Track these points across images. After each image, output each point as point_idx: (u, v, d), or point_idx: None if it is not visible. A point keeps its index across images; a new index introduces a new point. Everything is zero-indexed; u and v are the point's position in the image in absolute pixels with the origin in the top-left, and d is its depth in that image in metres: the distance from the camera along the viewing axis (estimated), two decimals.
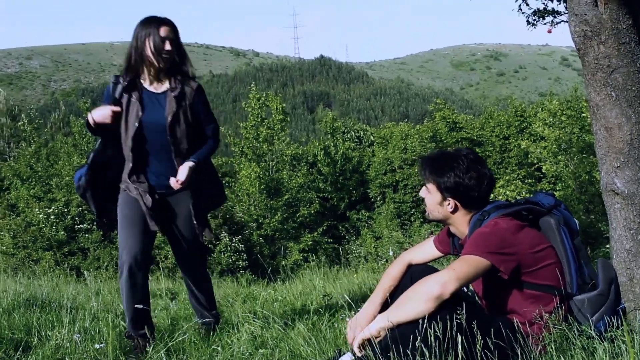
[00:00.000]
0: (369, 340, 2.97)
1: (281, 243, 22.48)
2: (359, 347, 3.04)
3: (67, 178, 21.81)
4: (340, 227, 27.98)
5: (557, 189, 22.75)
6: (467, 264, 2.99)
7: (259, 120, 27.41)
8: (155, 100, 4.12)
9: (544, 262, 3.13)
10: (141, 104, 4.07)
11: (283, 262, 17.53)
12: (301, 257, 21.37)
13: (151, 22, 4.04)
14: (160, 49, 3.99)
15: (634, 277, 3.26)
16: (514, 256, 3.07)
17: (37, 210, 19.84)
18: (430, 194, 3.41)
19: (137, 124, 4.02)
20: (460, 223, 3.37)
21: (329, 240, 24.07)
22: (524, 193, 20.78)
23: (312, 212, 26.37)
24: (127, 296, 4.00)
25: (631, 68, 3.21)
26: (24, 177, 25.51)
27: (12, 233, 18.35)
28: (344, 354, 3.29)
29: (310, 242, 23.98)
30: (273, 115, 27.92)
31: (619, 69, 3.21)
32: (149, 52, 4.00)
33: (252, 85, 29.66)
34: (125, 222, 4.08)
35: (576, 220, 3.35)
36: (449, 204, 3.35)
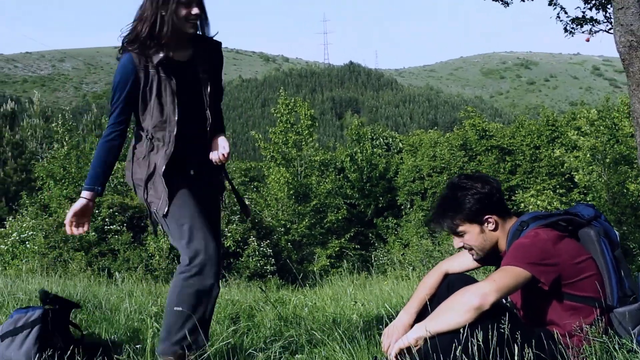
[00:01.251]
0: (407, 349, 2.96)
1: (309, 248, 22.50)
2: (396, 357, 3.03)
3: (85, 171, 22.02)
4: (370, 235, 27.95)
5: (589, 199, 22.52)
6: (508, 275, 2.97)
7: (288, 125, 27.48)
8: (185, 71, 3.61)
9: (585, 273, 3.10)
10: (173, 78, 3.54)
11: (311, 268, 17.55)
12: (328, 263, 21.37)
13: None
14: (189, 13, 3.49)
15: None
16: (555, 267, 3.04)
17: (68, 211, 20.02)
18: (467, 234, 3.34)
19: (176, 102, 3.52)
20: (503, 239, 3.33)
21: (356, 247, 24.04)
22: (555, 203, 20.59)
23: (340, 218, 26.38)
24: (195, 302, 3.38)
25: None
26: (57, 178, 25.83)
27: (44, 233, 18.55)
28: None
29: (337, 248, 23.98)
30: (302, 121, 27.99)
31: None
32: (175, 18, 3.46)
33: (281, 90, 29.75)
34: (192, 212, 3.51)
35: (616, 232, 3.31)
36: (488, 223, 3.30)
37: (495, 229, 3.31)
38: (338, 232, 26.27)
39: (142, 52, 3.48)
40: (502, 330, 2.77)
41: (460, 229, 3.33)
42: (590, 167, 22.06)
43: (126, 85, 3.48)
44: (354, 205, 30.65)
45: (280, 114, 27.89)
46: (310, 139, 28.09)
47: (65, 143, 30.22)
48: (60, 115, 33.79)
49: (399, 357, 2.99)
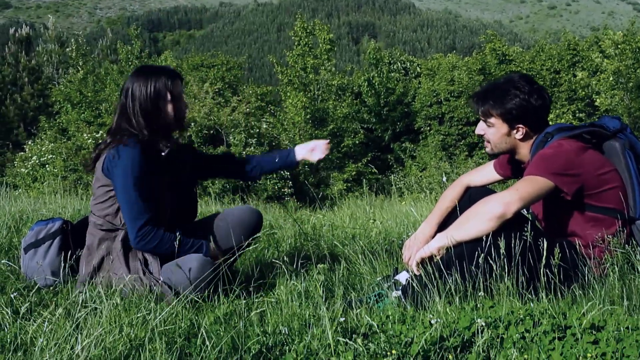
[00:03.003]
0: (429, 258, 2.98)
1: (326, 172, 22.56)
2: (417, 265, 3.05)
3: (115, 103, 22.05)
4: (389, 158, 27.91)
5: None
6: (531, 185, 2.96)
7: (306, 49, 27.13)
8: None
9: (608, 185, 3.09)
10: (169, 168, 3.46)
11: (328, 192, 17.63)
12: (345, 187, 21.44)
13: (164, 75, 3.39)
14: (183, 112, 3.48)
15: None
16: (578, 177, 3.03)
17: (86, 135, 20.15)
18: (493, 127, 3.32)
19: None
20: (526, 147, 3.31)
21: (373, 171, 24.04)
22: None
23: (357, 142, 26.33)
24: None
25: None
26: (74, 102, 25.90)
27: (63, 156, 18.71)
28: (401, 272, 3.32)
29: (354, 172, 24.02)
30: (320, 45, 27.61)
31: None
32: (170, 117, 3.40)
33: (298, 13, 29.27)
34: None
35: None
36: (517, 131, 3.27)
37: (521, 139, 3.29)
38: (355, 157, 26.25)
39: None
40: (525, 239, 2.78)
41: (491, 120, 3.30)
42: (613, 91, 21.74)
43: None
44: (370, 129, 30.52)
45: (298, 38, 27.50)
46: (328, 63, 27.75)
47: (80, 68, 30.14)
48: (73, 41, 33.62)
49: (420, 266, 3.02)
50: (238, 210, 3.70)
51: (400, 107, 30.94)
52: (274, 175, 15.73)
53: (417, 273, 3.04)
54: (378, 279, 3.43)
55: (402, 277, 3.22)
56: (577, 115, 26.65)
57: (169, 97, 3.35)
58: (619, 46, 22.07)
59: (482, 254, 2.76)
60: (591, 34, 38.91)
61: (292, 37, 27.82)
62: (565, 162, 3.02)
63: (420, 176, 19.32)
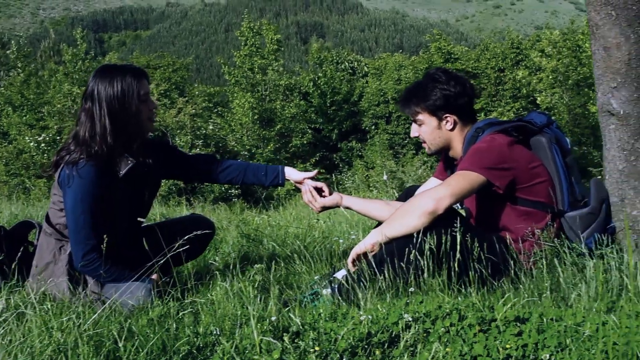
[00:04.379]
0: (364, 254, 3.00)
1: None
2: (353, 262, 3.07)
3: (58, 106, 21.62)
4: (337, 156, 28.03)
5: None
6: (463, 179, 3.01)
7: (253, 49, 27.08)
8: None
9: (538, 179, 3.16)
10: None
11: (276, 192, 17.61)
12: (294, 187, 21.47)
13: (130, 73, 3.23)
14: (152, 112, 3.34)
15: (625, 197, 3.30)
16: (510, 171, 3.09)
17: (27, 138, 19.74)
18: (424, 125, 3.40)
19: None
20: (459, 141, 3.38)
21: (321, 171, 24.11)
22: None
23: (305, 142, 26.37)
24: None
25: None
26: (16, 105, 25.32)
27: (4, 160, 18.28)
28: (339, 270, 3.34)
29: None
30: (267, 45, 27.60)
31: None
32: (139, 118, 3.24)
33: (245, 13, 29.16)
34: None
35: (568, 140, 3.37)
36: (446, 121, 3.35)
37: (452, 129, 3.36)
38: (303, 157, 26.31)
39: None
40: (455, 234, 2.83)
41: (420, 117, 3.38)
42: (553, 89, 22.20)
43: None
44: (318, 129, 30.60)
45: (245, 38, 27.41)
46: (276, 63, 27.74)
47: (21, 70, 29.51)
48: (12, 42, 32.91)
49: (356, 262, 3.04)
50: (195, 226, 3.55)
51: (346, 106, 31.08)
52: None
53: (353, 270, 3.07)
54: (316, 277, 3.44)
55: (340, 275, 3.24)
56: (520, 112, 27.15)
57: (136, 96, 3.18)
58: (557, 45, 22.56)
59: (414, 250, 2.79)
60: (533, 33, 39.69)
61: (239, 38, 27.73)
62: (497, 156, 3.08)
63: (367, 175, 19.45)
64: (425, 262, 2.79)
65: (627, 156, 3.28)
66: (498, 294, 2.80)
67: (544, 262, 2.93)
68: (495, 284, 2.90)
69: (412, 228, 2.88)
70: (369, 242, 3.00)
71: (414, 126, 3.47)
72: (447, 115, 3.34)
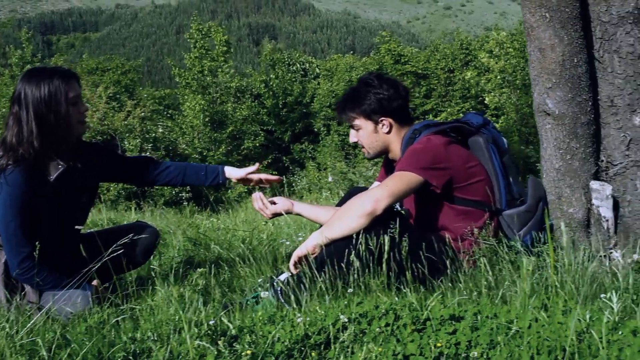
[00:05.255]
0: (305, 257, 3.01)
1: None
2: (295, 265, 3.08)
3: (3, 110, 21.16)
4: (284, 160, 27.99)
5: (500, 121, 23.08)
6: (401, 180, 3.04)
7: (202, 52, 26.90)
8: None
9: (475, 178, 3.22)
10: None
11: (228, 195, 17.52)
12: (246, 189, 21.36)
13: (58, 76, 3.16)
14: (82, 115, 3.27)
15: (562, 195, 3.37)
16: (447, 171, 3.13)
17: None
18: (362, 129, 3.45)
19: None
20: (397, 143, 3.42)
21: (273, 173, 24.05)
22: None
23: (257, 144, 26.28)
24: None
25: None
26: None
27: None
28: (282, 273, 3.34)
29: None
30: (217, 47, 27.45)
31: None
32: (68, 121, 3.16)
33: (194, 15, 28.96)
34: None
35: (505, 140, 3.44)
36: (383, 124, 3.39)
37: (389, 132, 3.40)
38: (255, 159, 26.18)
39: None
40: (392, 235, 2.85)
41: (356, 122, 3.42)
42: (501, 90, 22.53)
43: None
44: (271, 131, 30.52)
45: (194, 40, 27.23)
46: (226, 65, 27.61)
47: None
48: None
49: (298, 265, 3.04)
50: (138, 234, 3.54)
51: (298, 108, 31.08)
52: None
53: (295, 272, 3.07)
54: (259, 280, 3.44)
55: (283, 277, 3.24)
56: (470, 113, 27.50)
57: (64, 99, 3.11)
58: (504, 45, 22.91)
59: (353, 251, 2.81)
60: (482, 34, 40.28)
61: (189, 40, 27.54)
62: (434, 157, 3.12)
63: (318, 176, 19.49)
64: (365, 263, 2.81)
65: (562, 155, 3.36)
66: (436, 293, 2.83)
67: (482, 261, 2.98)
68: (435, 283, 2.93)
69: (351, 229, 2.90)
70: (310, 244, 3.00)
71: (352, 132, 3.51)
72: (382, 118, 3.38)
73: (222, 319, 2.30)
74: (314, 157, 28.40)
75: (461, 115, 25.33)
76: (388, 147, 3.46)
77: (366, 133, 3.43)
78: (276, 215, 3.59)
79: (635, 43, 3.30)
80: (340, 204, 3.57)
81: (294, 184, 18.71)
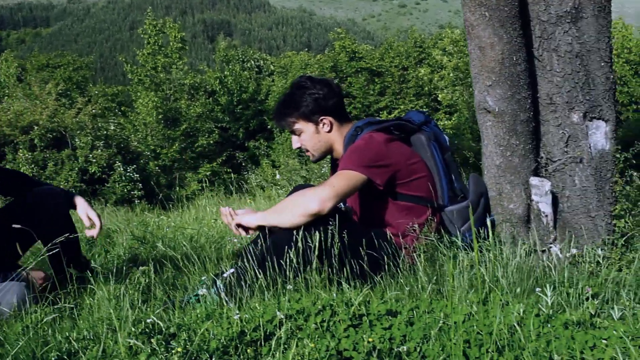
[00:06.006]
0: (244, 251, 3.03)
1: (179, 173, 22.21)
2: (237, 228, 3.14)
3: None
4: (238, 157, 27.83)
5: (454, 119, 23.31)
6: (345, 180, 3.06)
7: (156, 48, 26.57)
8: None
9: (417, 174, 3.25)
10: None
11: (180, 192, 17.37)
12: (200, 187, 21.21)
13: None
14: None
15: (503, 191, 3.43)
16: (389, 168, 3.16)
17: None
18: (303, 133, 3.46)
19: None
20: (339, 141, 3.44)
21: (227, 170, 23.92)
22: None
23: (211, 142, 26.07)
24: None
25: None
26: None
27: None
28: (228, 270, 3.33)
29: (209, 172, 23.79)
30: (171, 44, 27.14)
31: None
32: None
33: (148, 11, 28.58)
34: None
35: (446, 137, 3.49)
36: (323, 124, 3.41)
37: (330, 131, 3.41)
38: (210, 156, 25.99)
39: None
40: (332, 232, 2.87)
41: (297, 126, 3.43)
42: (454, 87, 22.76)
43: None
44: (225, 128, 30.31)
45: (147, 36, 26.87)
46: (180, 62, 27.32)
47: None
48: None
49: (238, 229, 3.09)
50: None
51: (253, 105, 30.92)
52: (123, 178, 15.30)
53: (241, 234, 3.11)
54: (203, 278, 3.42)
55: (226, 274, 3.23)
56: (423, 110, 27.72)
57: None
58: (458, 43, 23.15)
59: (293, 248, 2.82)
60: (436, 32, 40.66)
61: (142, 36, 27.17)
62: (376, 154, 3.15)
63: (272, 174, 19.43)
64: (306, 259, 2.82)
65: (503, 152, 3.42)
66: (378, 289, 2.86)
67: (424, 256, 3.01)
68: (376, 278, 2.96)
69: (292, 224, 2.93)
70: (254, 219, 3.03)
71: (293, 138, 3.52)
72: (322, 117, 3.39)
73: (160, 316, 2.29)
74: (269, 154, 28.31)
75: None
76: (332, 147, 3.48)
77: (308, 135, 3.44)
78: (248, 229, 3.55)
79: (573, 42, 3.38)
80: None
81: (248, 181, 18.61)
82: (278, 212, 3.01)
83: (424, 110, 27.26)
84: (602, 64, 3.40)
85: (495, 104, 3.37)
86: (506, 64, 3.32)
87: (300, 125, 3.43)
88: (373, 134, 3.24)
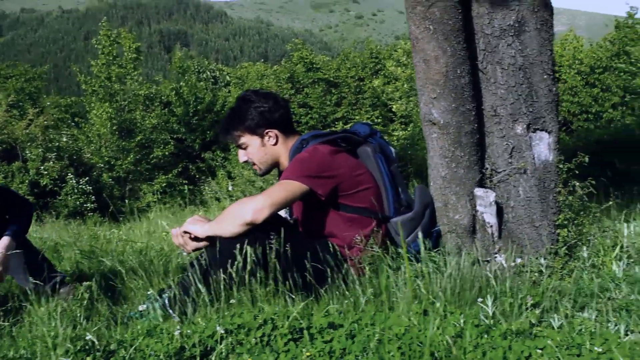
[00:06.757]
0: (190, 264, 3.01)
1: (134, 185, 21.96)
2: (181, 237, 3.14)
3: None
4: (191, 167, 27.60)
5: (409, 129, 23.49)
6: (284, 189, 3.06)
7: (110, 58, 26.28)
8: None
9: (362, 185, 3.27)
10: None
11: (135, 204, 17.18)
12: (155, 199, 21.00)
13: None
14: None
15: (448, 202, 3.46)
16: (333, 179, 3.17)
17: None
18: (249, 146, 3.46)
19: None
20: (285, 154, 3.44)
21: (183, 182, 23.74)
22: None
23: (167, 153, 25.83)
24: None
25: (448, 2, 3.33)
26: None
27: None
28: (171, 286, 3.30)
29: (165, 184, 23.58)
30: (125, 54, 26.88)
31: (437, 3, 3.32)
32: None
33: (103, 21, 28.25)
34: None
35: (392, 149, 3.51)
36: (269, 137, 3.41)
37: (275, 144, 3.42)
38: (165, 168, 25.74)
39: None
40: (275, 245, 2.86)
41: (243, 140, 3.42)
42: (409, 98, 22.97)
43: None
44: (181, 140, 30.04)
45: (102, 46, 26.57)
46: (135, 72, 27.06)
47: None
48: None
49: (180, 238, 3.10)
50: None
51: (209, 116, 30.71)
52: (75, 190, 15.08)
53: (176, 243, 3.15)
54: (148, 292, 3.38)
55: (171, 289, 3.20)
56: (376, 120, 27.87)
57: None
58: (411, 55, 23.37)
59: (236, 260, 2.81)
60: (392, 43, 41.01)
61: (96, 46, 26.86)
62: (319, 165, 3.16)
63: (234, 184, 19.32)
64: (250, 272, 2.81)
65: (448, 163, 3.45)
66: (323, 301, 2.86)
67: (370, 268, 3.02)
68: (321, 291, 2.96)
69: (231, 233, 2.95)
70: (202, 232, 3.03)
71: (240, 152, 3.52)
72: (267, 130, 3.40)
73: (101, 333, 2.25)
74: (224, 165, 28.14)
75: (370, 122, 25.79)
76: (278, 160, 3.48)
77: (254, 149, 3.44)
78: (198, 249, 3.50)
79: (517, 55, 3.43)
80: None
81: (203, 193, 18.49)
82: (219, 222, 3.02)
83: (379, 121, 27.47)
84: (545, 76, 3.47)
85: (440, 116, 3.40)
86: (450, 76, 3.36)
87: (246, 139, 3.43)
88: (318, 146, 3.25)
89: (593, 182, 3.53)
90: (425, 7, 3.34)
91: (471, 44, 3.51)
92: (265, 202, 2.96)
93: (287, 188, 3.06)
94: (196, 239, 3.13)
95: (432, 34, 3.35)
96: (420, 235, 3.22)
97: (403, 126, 26.77)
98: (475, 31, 3.51)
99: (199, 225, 3.08)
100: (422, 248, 3.13)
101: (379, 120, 27.88)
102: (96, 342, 2.14)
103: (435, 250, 3.28)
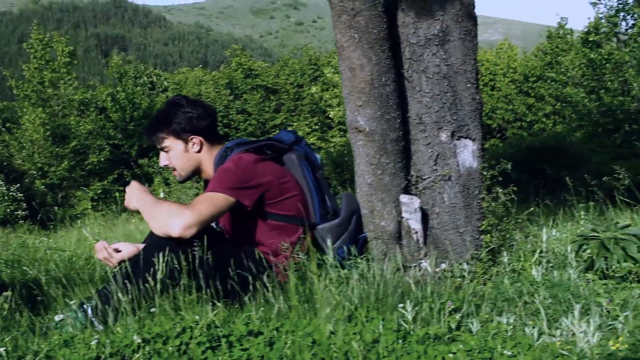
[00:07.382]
0: (114, 276, 2.96)
1: (68, 192, 21.51)
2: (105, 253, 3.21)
3: None
4: (126, 173, 27.18)
5: (346, 136, 23.67)
6: (212, 204, 3.04)
7: (42, 62, 25.69)
8: None
9: (288, 193, 3.28)
10: None
11: (69, 211, 16.83)
12: (90, 206, 20.61)
13: None
14: None
15: (374, 209, 3.50)
16: (258, 188, 3.17)
17: None
18: (172, 150, 3.43)
19: None
20: (209, 162, 3.42)
21: (119, 189, 23.34)
22: (313, 140, 21.26)
23: (102, 159, 25.37)
24: None
25: (373, 12, 3.38)
26: None
27: None
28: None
29: (100, 191, 23.17)
30: (59, 58, 26.32)
31: (362, 12, 3.36)
32: None
33: (34, 24, 27.60)
34: None
35: (317, 155, 3.54)
36: (193, 143, 3.39)
37: (199, 151, 3.41)
38: (101, 174, 25.28)
39: None
40: (198, 252, 2.85)
41: (166, 143, 3.40)
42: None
43: None
44: (117, 146, 29.56)
45: (34, 50, 25.97)
46: (69, 77, 26.52)
47: None
48: None
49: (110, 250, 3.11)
50: None
51: (146, 121, 30.30)
52: (5, 197, 14.69)
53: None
54: (72, 302, 3.31)
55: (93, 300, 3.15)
56: (315, 127, 28.01)
57: None
58: None
59: (159, 268, 2.78)
60: (332, 49, 41.24)
61: (28, 50, 26.22)
62: (244, 175, 3.15)
63: (169, 191, 19.13)
64: (173, 280, 2.79)
65: (374, 170, 3.49)
66: (246, 309, 2.85)
67: (295, 275, 3.03)
68: (244, 298, 2.95)
69: (156, 233, 2.97)
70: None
71: (162, 155, 3.49)
72: (192, 137, 3.38)
73: (16, 344, 2.21)
74: (161, 172, 27.82)
75: (308, 129, 25.78)
76: (200, 167, 3.46)
77: (177, 153, 3.41)
78: (123, 261, 3.45)
79: (441, 63, 3.50)
80: None
81: None
82: (152, 215, 3.01)
83: (317, 127, 27.59)
84: (469, 85, 3.55)
85: (366, 124, 3.44)
86: (376, 84, 3.40)
87: (169, 142, 3.40)
88: (242, 155, 3.24)
89: (515, 188, 3.62)
90: (350, 15, 3.37)
91: (397, 52, 3.56)
92: (193, 219, 2.92)
93: (215, 202, 3.04)
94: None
95: (357, 42, 3.39)
96: (346, 242, 3.26)
97: (341, 133, 26.96)
98: (400, 40, 3.57)
99: (134, 194, 3.15)
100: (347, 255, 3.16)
101: (317, 126, 28.00)
102: (4, 355, 2.09)
103: (361, 256, 3.31)
